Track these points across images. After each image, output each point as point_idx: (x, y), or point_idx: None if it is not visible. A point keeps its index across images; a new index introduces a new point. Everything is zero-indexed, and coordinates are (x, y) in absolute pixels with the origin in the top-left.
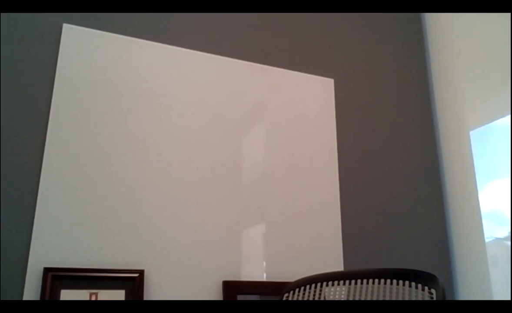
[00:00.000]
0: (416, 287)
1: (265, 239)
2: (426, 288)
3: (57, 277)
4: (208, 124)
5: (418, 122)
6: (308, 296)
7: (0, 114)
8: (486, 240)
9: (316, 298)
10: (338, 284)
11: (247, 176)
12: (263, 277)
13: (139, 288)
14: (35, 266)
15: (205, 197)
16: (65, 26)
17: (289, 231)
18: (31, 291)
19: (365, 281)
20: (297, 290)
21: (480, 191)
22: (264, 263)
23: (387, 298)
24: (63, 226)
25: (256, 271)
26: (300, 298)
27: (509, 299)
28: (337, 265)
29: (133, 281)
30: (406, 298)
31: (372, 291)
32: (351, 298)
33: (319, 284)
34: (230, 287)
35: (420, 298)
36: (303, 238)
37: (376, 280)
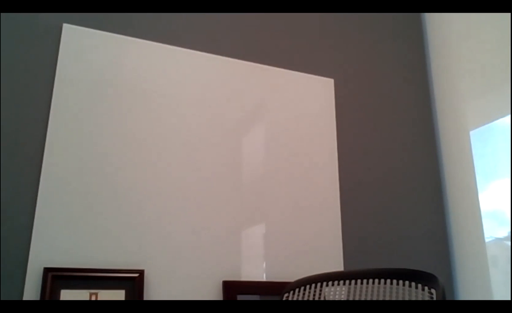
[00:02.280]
0: (416, 287)
1: (265, 239)
2: (426, 288)
3: (57, 277)
4: (208, 124)
5: (418, 122)
6: (308, 296)
7: (0, 114)
8: (486, 240)
9: (316, 298)
10: (338, 284)
11: (247, 176)
12: (263, 277)
13: (139, 288)
14: (35, 266)
15: (205, 197)
16: (65, 26)
17: (289, 231)
18: (31, 291)
19: (365, 281)
20: (297, 290)
21: (480, 191)
22: (264, 263)
23: (387, 298)
24: (63, 226)
25: (256, 271)
26: (300, 298)
27: (509, 299)
28: (337, 265)
29: (133, 281)
30: (406, 298)
31: (372, 291)
32: (351, 298)
33: (319, 284)
34: (230, 287)
35: (420, 298)
36: (303, 238)
37: (376, 280)
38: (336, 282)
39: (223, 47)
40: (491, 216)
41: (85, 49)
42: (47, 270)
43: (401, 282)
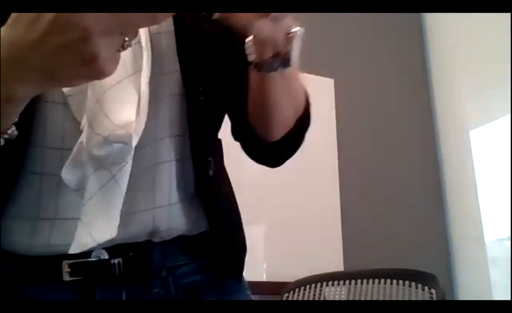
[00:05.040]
0: (416, 287)
1: (265, 239)
2: (426, 288)
3: None
4: None
5: (418, 122)
6: (308, 296)
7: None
8: (486, 240)
9: (316, 298)
10: (338, 284)
11: (247, 176)
12: (263, 277)
13: None
14: None
15: None
16: None
17: (289, 231)
18: None
19: (365, 281)
20: (297, 290)
21: (480, 191)
22: (264, 263)
23: (387, 298)
24: None
25: (256, 271)
26: (300, 298)
27: (509, 299)
28: (337, 265)
29: None
30: (406, 298)
31: (372, 291)
32: (351, 298)
33: (319, 284)
34: None
35: (420, 298)
36: (303, 238)
37: (376, 280)
38: (336, 282)
39: None
40: (491, 216)
41: None
42: None
43: (401, 282)
